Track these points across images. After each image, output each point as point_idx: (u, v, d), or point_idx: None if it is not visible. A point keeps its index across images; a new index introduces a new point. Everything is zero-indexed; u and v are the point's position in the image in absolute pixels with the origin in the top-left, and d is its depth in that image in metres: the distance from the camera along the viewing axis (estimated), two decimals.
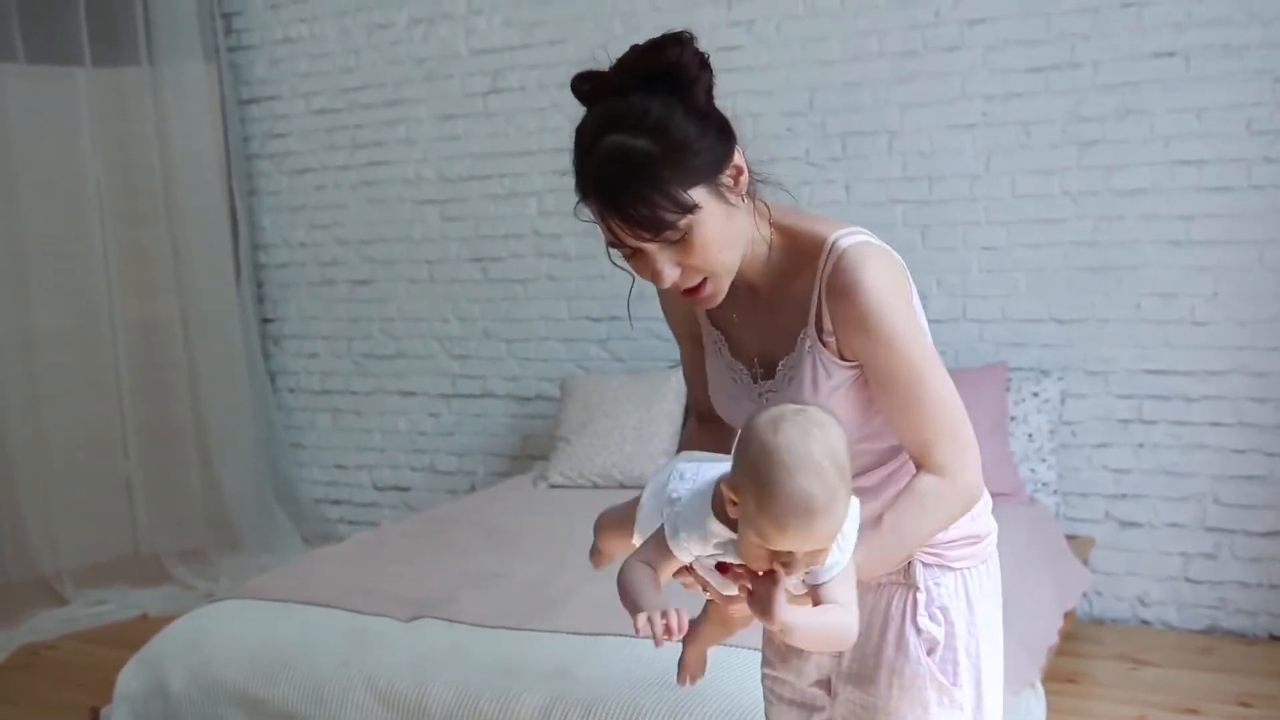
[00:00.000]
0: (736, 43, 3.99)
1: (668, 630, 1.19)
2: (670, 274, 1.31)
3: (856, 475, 1.35)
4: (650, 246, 1.29)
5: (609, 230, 1.31)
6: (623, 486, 3.71)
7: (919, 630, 1.44)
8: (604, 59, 1.33)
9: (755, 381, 1.45)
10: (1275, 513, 3.51)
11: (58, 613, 4.21)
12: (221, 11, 4.88)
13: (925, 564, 1.45)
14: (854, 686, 1.48)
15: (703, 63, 1.30)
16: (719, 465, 1.29)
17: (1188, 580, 3.64)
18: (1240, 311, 3.48)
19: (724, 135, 1.31)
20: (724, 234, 1.32)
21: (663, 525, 1.30)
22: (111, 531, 4.67)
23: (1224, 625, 3.61)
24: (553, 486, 3.89)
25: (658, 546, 1.31)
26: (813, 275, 1.36)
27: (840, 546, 1.24)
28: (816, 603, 1.25)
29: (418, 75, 4.58)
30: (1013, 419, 3.59)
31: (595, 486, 3.81)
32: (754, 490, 1.17)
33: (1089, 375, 3.68)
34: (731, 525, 1.23)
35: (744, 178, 1.34)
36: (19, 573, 4.34)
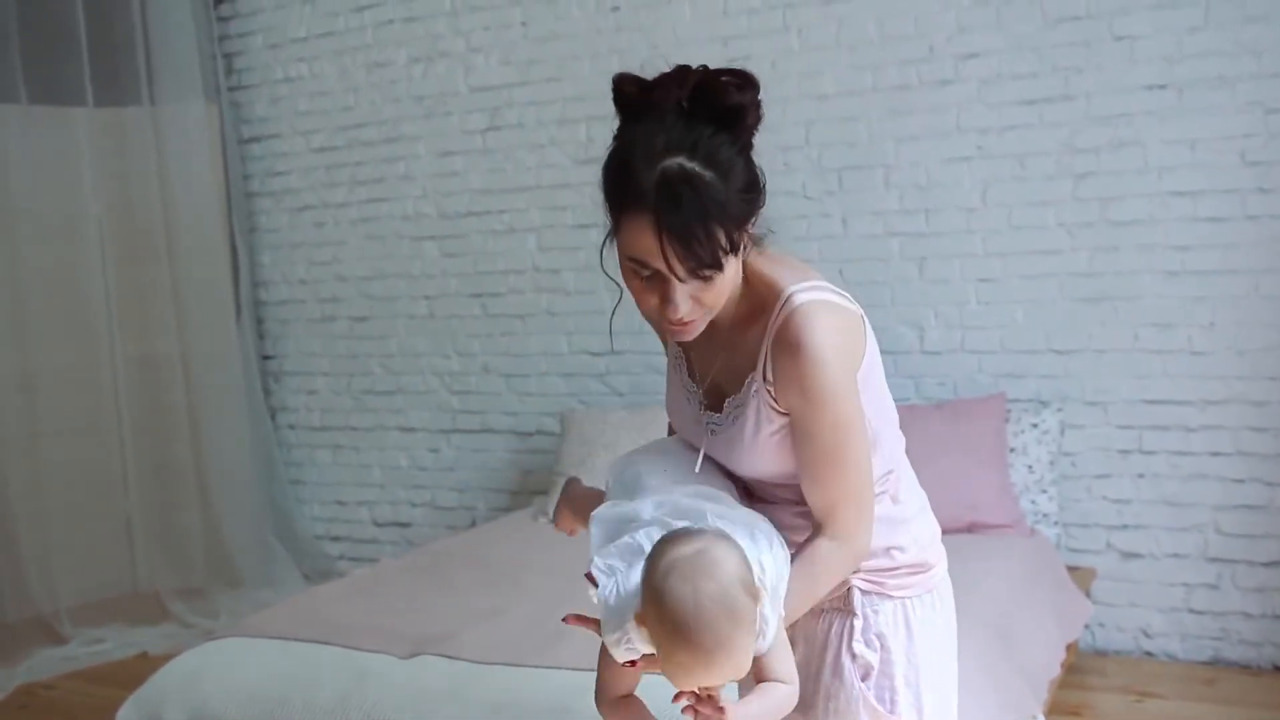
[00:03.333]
0: None
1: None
2: (685, 308, 1.30)
3: (799, 504, 1.41)
4: (679, 276, 1.27)
5: (647, 249, 1.26)
6: None
7: (854, 655, 1.46)
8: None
9: (702, 409, 1.48)
10: (1277, 542, 3.50)
11: (56, 652, 4.18)
12: (222, 52, 4.93)
13: (863, 590, 1.47)
14: (794, 711, 1.48)
15: (759, 116, 1.31)
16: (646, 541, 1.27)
17: (1190, 611, 3.62)
18: (1238, 341, 3.49)
19: (759, 191, 1.32)
20: (732, 278, 1.33)
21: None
22: (111, 570, 4.65)
23: (1228, 656, 3.59)
24: (552, 522, 3.87)
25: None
26: (765, 325, 1.37)
27: (768, 618, 1.25)
28: (759, 677, 1.28)
29: (417, 113, 4.61)
30: (1012, 450, 3.59)
31: None
32: (658, 640, 1.20)
33: (1088, 406, 3.68)
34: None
35: (753, 229, 1.36)
36: (17, 612, 4.31)
